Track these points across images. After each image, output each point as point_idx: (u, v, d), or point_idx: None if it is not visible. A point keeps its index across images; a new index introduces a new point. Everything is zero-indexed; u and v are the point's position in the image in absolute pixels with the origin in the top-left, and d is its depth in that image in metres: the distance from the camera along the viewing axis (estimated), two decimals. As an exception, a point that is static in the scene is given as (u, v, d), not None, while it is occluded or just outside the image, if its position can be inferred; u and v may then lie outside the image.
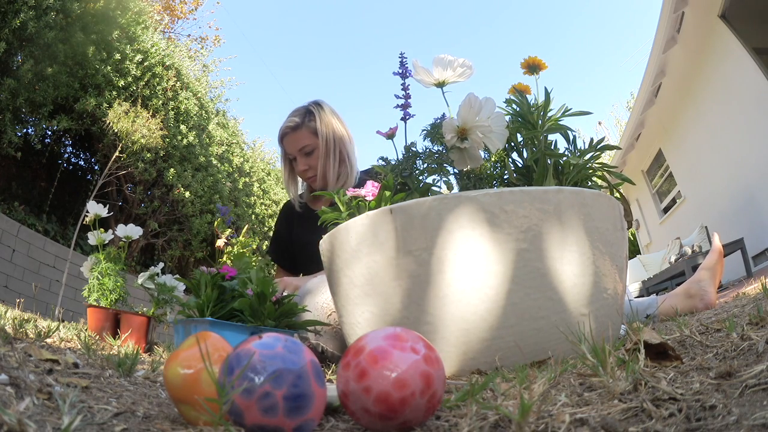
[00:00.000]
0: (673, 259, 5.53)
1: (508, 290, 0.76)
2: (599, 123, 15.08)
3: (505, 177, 0.98)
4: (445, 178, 0.98)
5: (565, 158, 0.95)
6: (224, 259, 1.32)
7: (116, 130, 4.62)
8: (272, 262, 1.86)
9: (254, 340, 0.43)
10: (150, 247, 6.07)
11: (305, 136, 1.67)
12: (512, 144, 0.99)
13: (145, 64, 5.24)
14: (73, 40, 4.41)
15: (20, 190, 5.08)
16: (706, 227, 5.67)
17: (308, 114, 1.69)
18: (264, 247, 7.23)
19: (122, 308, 1.34)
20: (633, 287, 6.37)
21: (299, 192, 1.84)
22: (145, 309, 1.36)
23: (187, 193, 5.54)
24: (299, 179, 1.79)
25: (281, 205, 1.88)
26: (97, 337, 1.23)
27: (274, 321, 1.07)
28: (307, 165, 1.68)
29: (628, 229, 0.94)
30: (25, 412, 0.40)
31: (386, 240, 0.81)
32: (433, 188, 0.98)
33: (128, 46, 5.07)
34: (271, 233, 7.34)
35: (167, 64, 5.51)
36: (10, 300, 3.48)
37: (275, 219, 1.89)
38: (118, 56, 4.93)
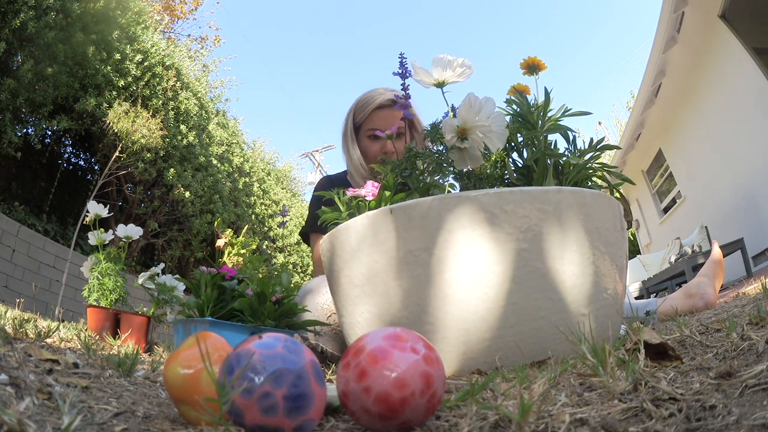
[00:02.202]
0: (673, 259, 5.53)
1: (509, 290, 0.76)
2: (599, 123, 15.09)
3: (506, 177, 0.98)
4: (447, 179, 0.98)
5: (565, 158, 0.95)
6: (224, 259, 1.32)
7: (116, 130, 4.62)
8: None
9: (254, 340, 0.43)
10: (150, 247, 6.07)
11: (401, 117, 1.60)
12: (512, 144, 0.99)
13: (145, 64, 5.24)
14: (73, 40, 4.41)
15: (20, 190, 5.08)
16: (706, 227, 5.67)
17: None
18: (264, 246, 7.23)
19: (122, 308, 1.34)
20: (633, 287, 6.37)
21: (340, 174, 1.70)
22: (145, 309, 1.36)
23: (187, 193, 5.54)
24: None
25: (317, 185, 1.75)
26: (97, 337, 1.23)
27: (274, 321, 1.07)
28: (396, 149, 1.51)
29: (628, 229, 0.94)
30: (25, 412, 0.40)
31: (386, 240, 0.81)
32: (438, 187, 0.97)
33: (128, 46, 5.07)
34: (271, 233, 7.34)
35: (167, 64, 5.51)
36: (10, 300, 3.48)
37: (308, 201, 1.71)
38: (118, 56, 4.93)
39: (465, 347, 0.76)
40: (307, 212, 1.66)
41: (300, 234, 1.71)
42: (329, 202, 1.58)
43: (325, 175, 1.74)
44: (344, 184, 1.62)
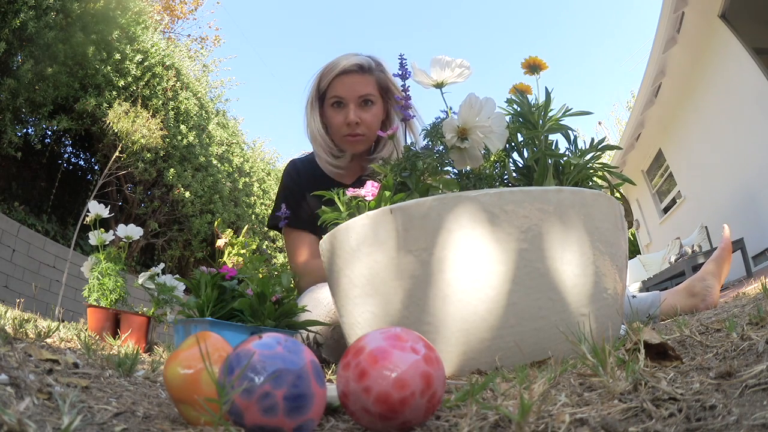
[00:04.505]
0: (673, 259, 5.53)
1: (509, 290, 0.76)
2: (599, 123, 15.08)
3: (505, 177, 0.98)
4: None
5: (565, 158, 0.95)
6: (224, 259, 1.32)
7: (116, 130, 4.62)
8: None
9: (254, 340, 0.43)
10: (150, 247, 6.07)
11: (371, 84, 1.42)
12: (513, 144, 0.99)
13: (145, 64, 5.25)
14: (73, 40, 4.41)
15: (20, 190, 5.09)
16: (706, 227, 5.68)
17: (377, 63, 1.46)
18: (264, 246, 7.23)
19: (122, 308, 1.34)
20: (633, 287, 6.37)
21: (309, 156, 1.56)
22: (145, 309, 1.36)
23: (187, 193, 5.54)
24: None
25: (288, 171, 1.54)
26: (97, 337, 1.23)
27: (274, 321, 1.07)
28: (360, 118, 1.41)
29: (628, 229, 0.94)
30: (25, 412, 0.40)
31: (386, 240, 0.81)
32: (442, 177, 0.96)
33: (128, 46, 5.07)
34: (271, 233, 7.34)
35: (167, 64, 5.52)
36: (10, 300, 3.48)
37: (281, 191, 1.54)
38: (118, 56, 4.93)
39: (465, 347, 0.76)
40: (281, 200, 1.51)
41: (269, 225, 1.57)
42: (299, 195, 1.48)
43: (292, 159, 1.61)
44: (312, 168, 1.53)
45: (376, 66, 1.46)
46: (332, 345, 1.20)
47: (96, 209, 1.46)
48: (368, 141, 1.46)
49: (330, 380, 0.81)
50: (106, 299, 1.34)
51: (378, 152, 1.49)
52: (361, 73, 1.43)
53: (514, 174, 0.99)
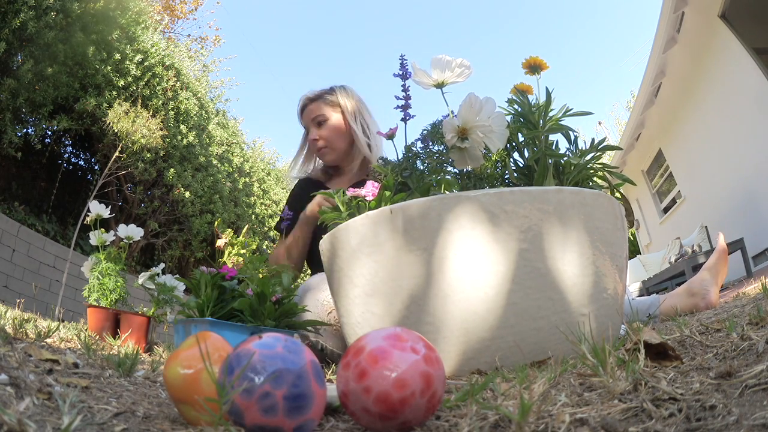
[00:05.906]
0: (673, 259, 5.53)
1: (509, 290, 0.76)
2: (599, 123, 15.06)
3: (506, 177, 0.98)
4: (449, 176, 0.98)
5: (566, 158, 0.95)
6: (224, 259, 1.32)
7: (116, 130, 4.62)
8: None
9: (254, 340, 0.43)
10: (150, 247, 6.07)
11: (319, 107, 1.73)
12: (513, 144, 0.99)
13: (145, 64, 5.24)
14: (73, 40, 4.41)
15: (20, 190, 5.08)
16: (706, 227, 5.67)
17: (328, 90, 1.77)
18: (264, 246, 7.23)
19: (122, 308, 1.34)
20: (633, 287, 6.37)
21: (310, 169, 1.87)
22: (145, 309, 1.36)
23: (187, 193, 5.54)
24: (314, 158, 1.84)
25: (295, 183, 1.93)
26: (97, 337, 1.23)
27: (274, 321, 1.07)
28: (318, 135, 1.71)
29: (628, 229, 0.94)
30: (25, 412, 0.40)
31: (386, 240, 0.81)
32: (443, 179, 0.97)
33: (128, 46, 5.07)
34: (271, 233, 7.34)
35: (167, 64, 5.51)
36: (10, 300, 3.48)
37: (288, 199, 1.85)
38: (118, 56, 4.93)
39: (465, 347, 0.76)
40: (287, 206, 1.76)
41: (277, 229, 1.74)
42: (305, 201, 1.65)
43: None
44: (317, 181, 1.78)
45: (325, 92, 1.76)
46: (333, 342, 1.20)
47: (97, 209, 1.46)
48: (333, 150, 1.73)
49: (330, 380, 0.81)
50: (106, 299, 1.34)
51: (350, 160, 1.76)
52: (310, 102, 1.75)
53: (515, 174, 0.99)
